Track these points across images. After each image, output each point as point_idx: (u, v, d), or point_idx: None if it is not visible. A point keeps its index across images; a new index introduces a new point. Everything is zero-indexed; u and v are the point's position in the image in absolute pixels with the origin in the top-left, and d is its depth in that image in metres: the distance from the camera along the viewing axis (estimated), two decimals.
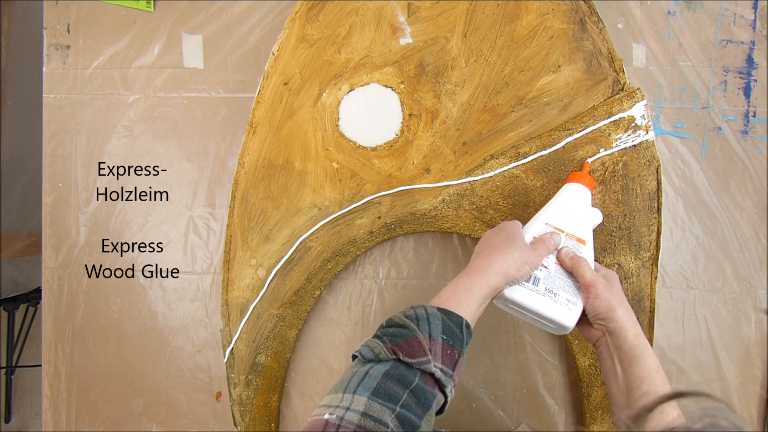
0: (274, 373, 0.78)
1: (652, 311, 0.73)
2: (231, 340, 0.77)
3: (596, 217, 0.66)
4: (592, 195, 0.69)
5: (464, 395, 0.80)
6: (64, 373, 0.84)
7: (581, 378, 0.75)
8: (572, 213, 0.65)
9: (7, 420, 1.68)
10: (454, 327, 0.51)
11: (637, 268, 0.73)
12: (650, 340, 0.73)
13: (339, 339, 0.81)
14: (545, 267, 0.61)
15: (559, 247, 0.62)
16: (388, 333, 0.51)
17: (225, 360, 0.77)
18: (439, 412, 0.51)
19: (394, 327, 0.52)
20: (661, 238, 0.72)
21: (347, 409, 0.45)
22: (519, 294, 0.59)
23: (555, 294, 0.60)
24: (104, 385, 0.84)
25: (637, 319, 0.72)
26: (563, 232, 0.63)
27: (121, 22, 0.82)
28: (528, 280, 0.60)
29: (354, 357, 0.52)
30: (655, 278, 0.73)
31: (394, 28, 0.74)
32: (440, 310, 0.52)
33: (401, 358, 0.48)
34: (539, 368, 0.79)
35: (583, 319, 0.60)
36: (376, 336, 0.52)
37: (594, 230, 0.67)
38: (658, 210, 0.72)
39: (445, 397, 0.50)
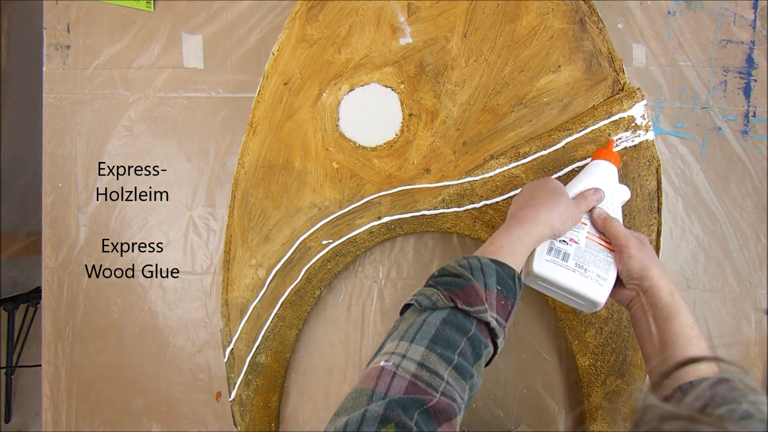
0: (274, 373, 0.78)
1: None
2: (231, 340, 0.77)
3: (624, 194, 0.64)
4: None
5: None
6: (64, 373, 0.84)
7: (581, 378, 0.75)
8: (603, 189, 0.63)
9: (7, 420, 1.68)
10: (507, 278, 0.50)
11: None
12: None
13: (339, 339, 0.81)
14: (575, 242, 0.59)
15: (592, 207, 0.61)
16: (443, 282, 0.50)
17: (225, 360, 0.77)
18: (487, 363, 0.50)
19: (448, 276, 0.50)
20: (661, 238, 0.72)
21: (403, 356, 0.44)
22: (549, 270, 0.58)
23: (585, 269, 0.58)
24: (104, 385, 0.84)
25: None
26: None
27: (121, 22, 0.82)
28: (558, 256, 0.58)
29: (405, 308, 0.51)
30: None
31: (394, 28, 0.74)
32: (493, 261, 0.51)
33: (459, 306, 0.48)
34: (539, 368, 0.79)
35: (615, 280, 0.59)
36: (429, 285, 0.51)
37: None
38: (658, 210, 0.72)
39: (495, 348, 0.50)
